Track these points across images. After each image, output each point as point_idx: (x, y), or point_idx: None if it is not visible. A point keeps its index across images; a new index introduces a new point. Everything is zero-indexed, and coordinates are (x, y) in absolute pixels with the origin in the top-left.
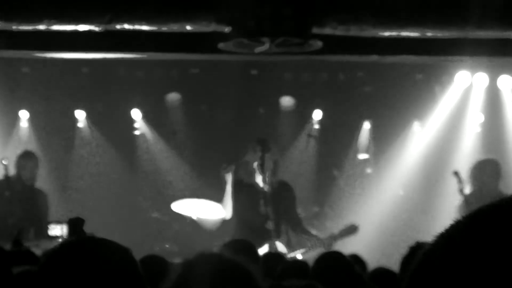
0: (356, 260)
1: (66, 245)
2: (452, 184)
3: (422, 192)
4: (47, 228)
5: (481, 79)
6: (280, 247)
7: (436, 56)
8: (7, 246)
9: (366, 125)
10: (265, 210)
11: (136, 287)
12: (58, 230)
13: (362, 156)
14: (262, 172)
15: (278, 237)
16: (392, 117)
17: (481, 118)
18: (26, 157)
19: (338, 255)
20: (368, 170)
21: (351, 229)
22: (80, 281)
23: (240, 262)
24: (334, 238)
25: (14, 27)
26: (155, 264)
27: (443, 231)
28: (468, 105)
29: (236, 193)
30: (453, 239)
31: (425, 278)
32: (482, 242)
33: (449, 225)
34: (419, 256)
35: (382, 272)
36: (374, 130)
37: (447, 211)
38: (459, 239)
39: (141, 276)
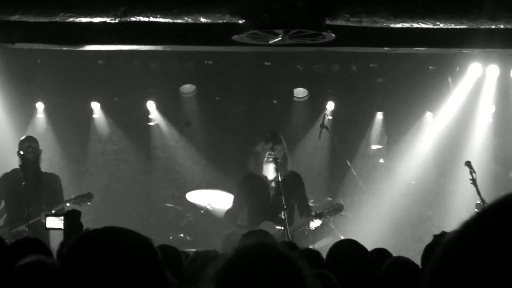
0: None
1: (89, 234)
2: (464, 174)
3: (435, 182)
4: (62, 209)
5: (493, 70)
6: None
7: (449, 48)
8: (24, 232)
9: (379, 116)
10: (277, 200)
11: (157, 275)
12: (56, 222)
13: (375, 146)
14: (274, 164)
15: (291, 225)
16: (404, 108)
17: (493, 109)
18: (27, 140)
19: (353, 244)
20: (381, 160)
21: (336, 208)
22: (103, 270)
23: (293, 258)
24: (318, 215)
25: (30, 20)
26: (168, 254)
27: (468, 219)
28: (480, 96)
29: (245, 187)
30: (479, 229)
31: (450, 266)
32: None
33: (475, 214)
34: (443, 245)
35: (400, 262)
36: (386, 121)
37: (459, 201)
38: (486, 228)
39: (162, 264)
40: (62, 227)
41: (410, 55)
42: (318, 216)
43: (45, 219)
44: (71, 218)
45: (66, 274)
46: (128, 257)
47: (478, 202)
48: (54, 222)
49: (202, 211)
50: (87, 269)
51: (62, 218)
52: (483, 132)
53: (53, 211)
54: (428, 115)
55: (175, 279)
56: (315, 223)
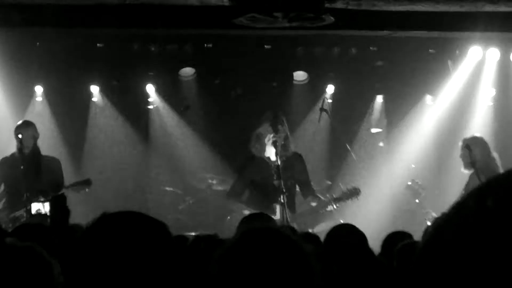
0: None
1: (105, 218)
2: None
3: (434, 165)
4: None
5: (493, 53)
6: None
7: (448, 31)
8: (22, 217)
9: (379, 99)
10: (278, 183)
11: (171, 261)
12: (41, 208)
13: (375, 130)
14: (275, 145)
15: (291, 209)
16: (404, 91)
17: (493, 92)
18: (23, 126)
19: (350, 228)
20: (381, 144)
21: (354, 192)
22: (118, 253)
23: (297, 241)
24: (336, 199)
25: (28, 2)
26: None
27: (453, 205)
28: (480, 79)
29: (249, 167)
30: (462, 214)
31: (436, 248)
32: (488, 217)
33: (458, 200)
34: (431, 228)
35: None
36: (386, 104)
37: (459, 184)
38: (467, 213)
39: (175, 250)
40: (47, 212)
41: (410, 38)
42: (336, 200)
43: (30, 205)
44: (57, 204)
45: (82, 257)
46: (143, 241)
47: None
48: (39, 208)
49: (203, 195)
50: (102, 252)
51: (47, 204)
52: (482, 115)
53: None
54: (428, 98)
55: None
56: (332, 207)
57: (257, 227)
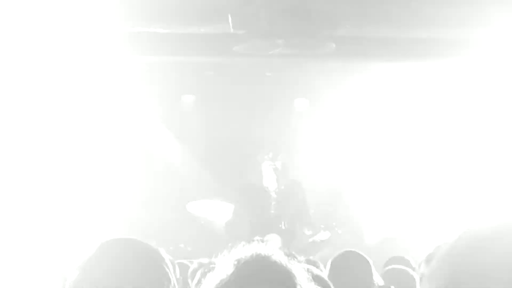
0: None
1: (101, 245)
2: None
3: (437, 195)
4: None
5: (493, 74)
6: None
7: (453, 57)
8: None
9: (380, 127)
10: (277, 210)
11: (166, 286)
12: None
13: (376, 156)
14: (274, 173)
15: (291, 237)
16: (406, 118)
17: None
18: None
19: (356, 255)
20: (381, 171)
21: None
22: (115, 279)
23: (290, 270)
24: (330, 227)
25: None
26: None
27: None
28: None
29: (248, 196)
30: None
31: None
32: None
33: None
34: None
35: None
36: (388, 132)
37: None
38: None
39: (171, 275)
40: None
41: (412, 64)
42: (328, 227)
43: None
44: None
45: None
46: (138, 267)
47: None
48: None
49: (202, 222)
50: (100, 278)
51: None
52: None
53: None
54: (429, 123)
55: None
56: (325, 235)
57: (247, 256)
